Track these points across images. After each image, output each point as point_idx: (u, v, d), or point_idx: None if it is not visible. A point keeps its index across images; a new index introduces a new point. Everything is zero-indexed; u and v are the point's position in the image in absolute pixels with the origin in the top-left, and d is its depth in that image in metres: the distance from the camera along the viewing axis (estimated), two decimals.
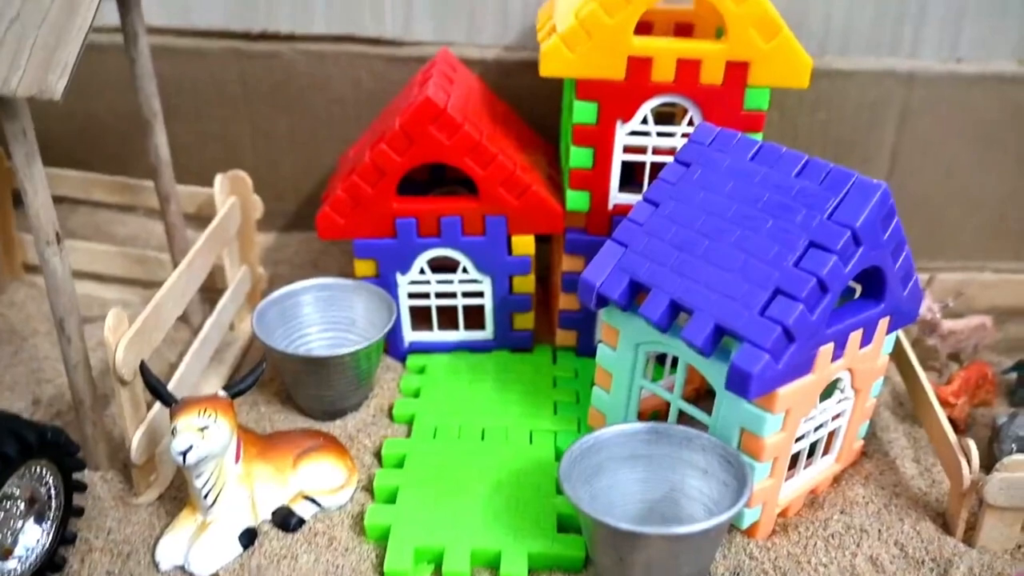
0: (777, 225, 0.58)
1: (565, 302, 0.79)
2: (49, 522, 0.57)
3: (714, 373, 0.59)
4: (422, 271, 0.77)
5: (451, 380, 0.77)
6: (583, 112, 0.71)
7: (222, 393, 0.59)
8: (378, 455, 0.69)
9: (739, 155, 0.63)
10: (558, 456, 0.68)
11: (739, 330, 0.55)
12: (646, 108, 0.71)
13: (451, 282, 0.78)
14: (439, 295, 0.79)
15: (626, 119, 0.71)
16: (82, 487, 0.59)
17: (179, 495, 0.65)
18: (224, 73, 0.92)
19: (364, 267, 0.77)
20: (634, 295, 0.63)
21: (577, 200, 0.74)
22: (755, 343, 0.54)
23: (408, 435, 0.71)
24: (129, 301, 0.87)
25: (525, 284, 0.78)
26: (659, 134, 0.72)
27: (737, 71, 0.68)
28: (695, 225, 0.61)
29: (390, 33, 0.90)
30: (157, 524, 0.62)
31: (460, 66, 0.84)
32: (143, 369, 0.60)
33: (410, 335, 0.80)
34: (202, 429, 0.56)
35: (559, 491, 0.64)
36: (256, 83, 0.93)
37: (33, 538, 0.56)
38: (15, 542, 0.55)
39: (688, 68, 0.68)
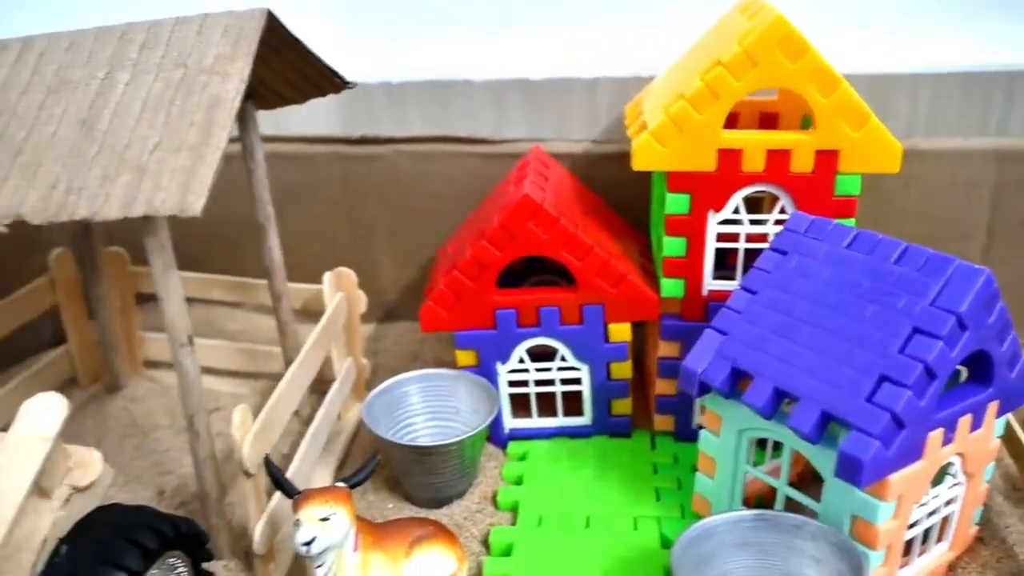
0: (879, 312, 0.58)
1: (662, 387, 0.80)
2: None
3: (822, 460, 0.59)
4: (521, 360, 0.80)
5: (552, 466, 0.78)
6: (675, 203, 0.73)
7: (341, 484, 0.62)
8: (485, 543, 0.71)
9: (835, 242, 0.64)
10: (663, 543, 0.69)
11: (847, 417, 0.56)
12: (737, 198, 0.73)
13: (550, 369, 0.80)
14: (538, 382, 0.81)
15: (718, 208, 0.73)
16: None
17: None
18: (327, 175, 0.98)
19: (466, 357, 0.80)
20: (736, 382, 0.63)
21: (672, 287, 0.76)
22: (864, 430, 0.55)
23: (513, 523, 0.72)
24: (241, 394, 0.91)
25: (622, 370, 0.79)
26: (751, 222, 0.74)
27: (827, 159, 0.70)
28: (794, 312, 0.62)
29: (483, 132, 0.95)
30: None
31: (552, 161, 0.88)
32: (267, 463, 0.63)
33: (510, 422, 0.82)
34: (324, 520, 0.59)
35: None
36: (357, 183, 0.98)
37: None
38: None
39: (778, 158, 0.70)
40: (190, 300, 0.97)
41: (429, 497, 0.75)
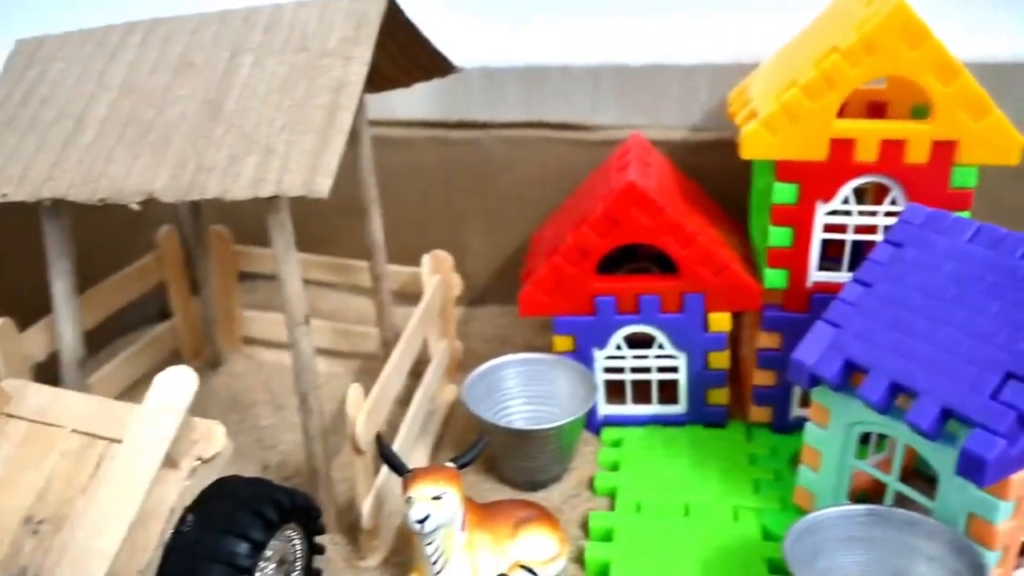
0: (1004, 308, 0.57)
1: (760, 378, 0.80)
2: None
3: (938, 456, 0.58)
4: (618, 346, 0.80)
5: (647, 454, 0.78)
6: (783, 193, 0.72)
7: (450, 464, 0.63)
8: (583, 527, 0.71)
9: (955, 236, 0.62)
10: (764, 535, 0.68)
11: (970, 414, 0.55)
12: (847, 188, 0.71)
13: (646, 357, 0.80)
14: (634, 370, 0.81)
15: (827, 199, 0.72)
16: (321, 550, 0.64)
17: (399, 559, 0.69)
18: (423, 159, 0.99)
19: (563, 342, 0.80)
20: (849, 375, 0.63)
21: (775, 278, 0.75)
22: (988, 428, 0.54)
23: (610, 508, 0.73)
24: (336, 372, 0.93)
25: (720, 360, 0.79)
26: (860, 213, 0.72)
27: (944, 150, 0.68)
28: (910, 306, 0.61)
29: (577, 119, 0.95)
30: None
31: (652, 148, 0.87)
32: (379, 441, 0.64)
33: (604, 408, 0.83)
34: (436, 498, 0.60)
35: (772, 571, 0.64)
36: (451, 167, 0.99)
37: None
38: None
39: (892, 148, 0.69)
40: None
41: (525, 480, 0.76)
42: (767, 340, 0.78)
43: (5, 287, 0.81)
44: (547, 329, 1.00)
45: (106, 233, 0.87)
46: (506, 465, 0.76)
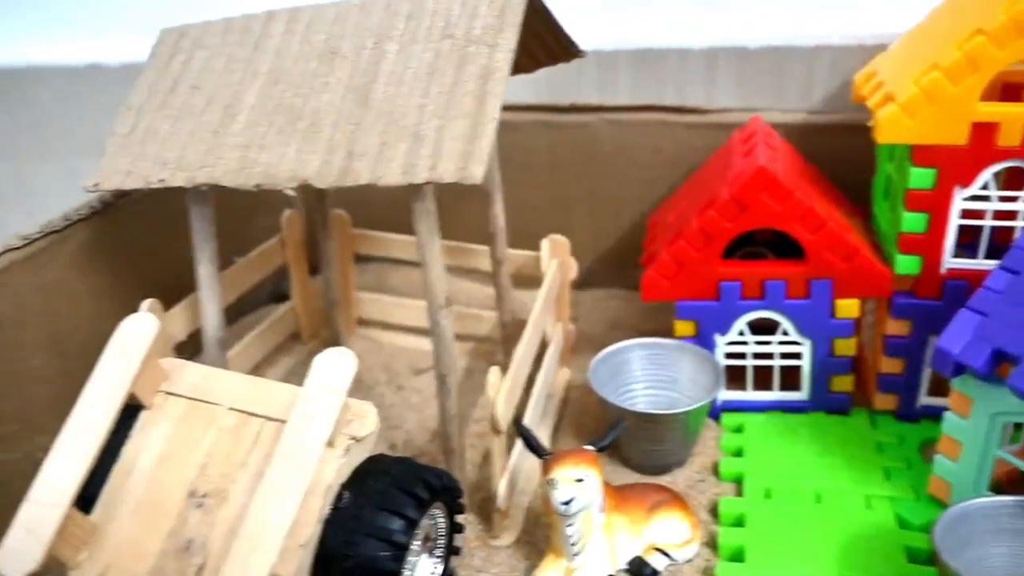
0: None
1: (887, 366, 0.79)
2: (437, 559, 0.63)
3: None
4: (741, 332, 0.79)
5: (770, 440, 0.78)
6: (919, 178, 0.71)
7: (589, 447, 0.64)
8: (712, 512, 0.71)
9: None
10: (900, 523, 0.68)
11: None
12: (987, 173, 0.70)
13: (769, 343, 0.79)
14: (756, 355, 0.80)
15: (965, 184, 0.70)
16: (461, 528, 0.65)
17: (530, 539, 0.70)
18: (532, 142, 0.99)
19: (684, 327, 0.80)
20: (996, 364, 0.62)
21: (907, 264, 0.74)
22: None
23: (738, 494, 0.73)
24: None
25: (847, 347, 0.78)
26: (1000, 199, 0.71)
27: None
28: None
29: (693, 102, 0.94)
30: (518, 566, 0.67)
31: (773, 132, 0.86)
32: (518, 422, 0.65)
33: (724, 394, 0.82)
34: (579, 481, 0.61)
35: (911, 559, 0.64)
36: (560, 151, 0.99)
37: (426, 571, 0.62)
38: (411, 575, 0.61)
39: None
40: (404, 262, 1.02)
41: (649, 464, 0.76)
42: (896, 327, 0.77)
43: (142, 271, 0.84)
44: (656, 313, 1.00)
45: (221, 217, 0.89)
46: (631, 449, 0.76)
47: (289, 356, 0.94)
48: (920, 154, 0.70)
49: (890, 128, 0.70)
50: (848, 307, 0.77)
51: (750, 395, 0.82)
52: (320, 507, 0.56)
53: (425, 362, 0.93)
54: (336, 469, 0.58)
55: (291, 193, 0.59)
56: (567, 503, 0.60)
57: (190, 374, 0.63)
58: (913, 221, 0.72)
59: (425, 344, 0.96)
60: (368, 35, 0.65)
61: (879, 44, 0.85)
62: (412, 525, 0.57)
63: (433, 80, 0.61)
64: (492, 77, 0.60)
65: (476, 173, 0.56)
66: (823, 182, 0.86)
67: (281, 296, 1.06)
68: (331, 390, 0.56)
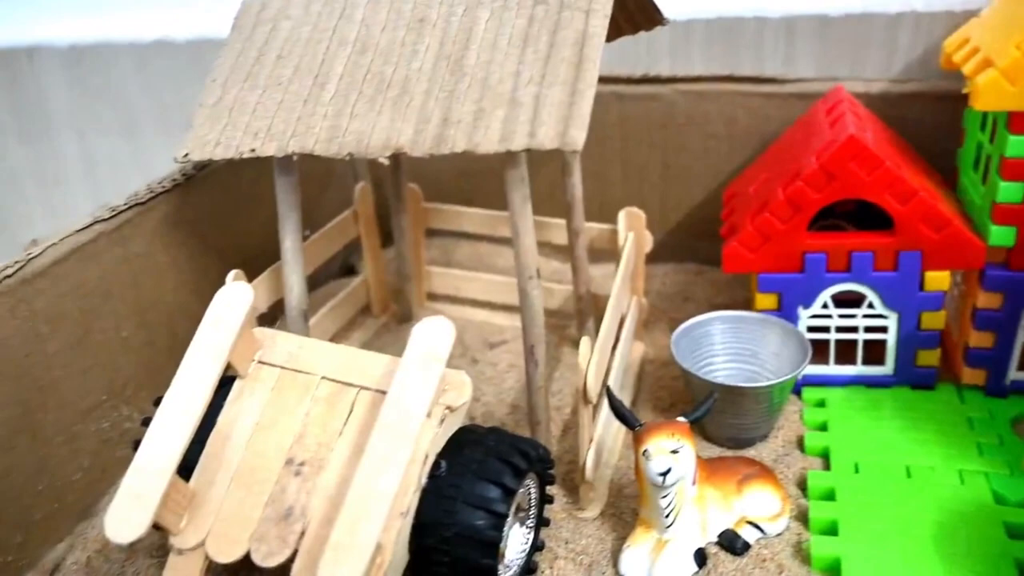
0: None
1: (977, 339, 0.77)
2: (528, 529, 0.63)
3: None
4: (825, 305, 0.78)
5: (855, 415, 0.77)
6: (1018, 146, 0.69)
7: (682, 419, 0.63)
8: (800, 486, 0.70)
9: None
10: (996, 499, 0.66)
11: None
12: None
13: (854, 316, 0.78)
14: (839, 329, 0.79)
15: None
16: (551, 499, 0.65)
17: (615, 511, 0.70)
18: (604, 114, 0.98)
19: (766, 300, 0.79)
20: None
21: (1002, 236, 0.72)
22: None
23: (825, 468, 0.72)
24: (520, 328, 0.93)
25: (935, 320, 0.77)
26: None
27: None
28: None
29: (770, 71, 0.92)
30: (605, 538, 0.67)
31: (856, 102, 0.84)
32: (608, 393, 0.65)
33: (805, 368, 0.81)
34: (673, 452, 0.60)
35: (1011, 536, 0.63)
36: (634, 122, 0.98)
37: (518, 542, 0.62)
38: (505, 545, 0.61)
39: None
40: (454, 234, 1.01)
41: (730, 437, 0.75)
42: (987, 300, 0.75)
43: (219, 244, 0.85)
44: (729, 287, 0.99)
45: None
46: (713, 422, 0.75)
47: (362, 330, 0.94)
48: (1018, 121, 0.68)
49: (989, 94, 0.68)
50: (938, 279, 0.75)
51: (832, 369, 0.81)
52: (418, 475, 0.57)
53: (497, 336, 0.93)
54: (432, 438, 0.58)
55: (384, 162, 0.59)
56: (663, 474, 0.59)
57: (283, 344, 0.63)
58: (1009, 191, 0.71)
59: (495, 318, 0.96)
60: (458, 2, 0.64)
61: (967, 10, 0.83)
62: (510, 494, 0.57)
63: (528, 46, 0.60)
64: (589, 42, 0.59)
65: (577, 140, 0.56)
66: (910, 152, 0.84)
67: (349, 270, 1.07)
68: (431, 359, 0.56)
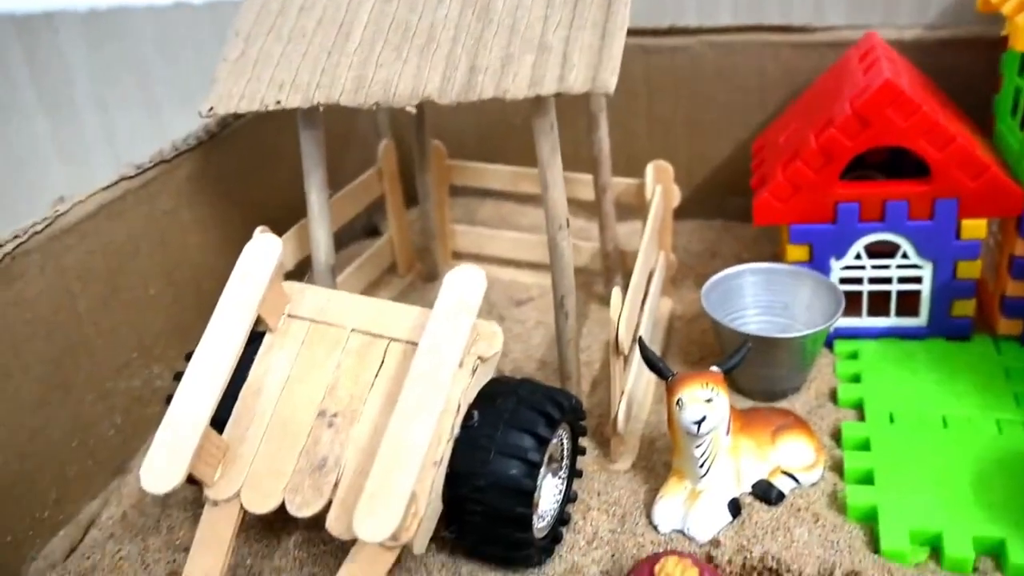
0: None
1: (1014, 289, 0.75)
2: (561, 480, 0.63)
3: None
4: (858, 256, 0.77)
5: (888, 366, 0.76)
6: None
7: (715, 368, 0.62)
8: (834, 437, 0.70)
9: None
10: None
11: None
12: None
13: (887, 267, 0.77)
14: (872, 280, 0.78)
15: None
16: (583, 451, 0.65)
17: (647, 464, 0.69)
18: (630, 68, 0.96)
19: (797, 252, 0.77)
20: None
21: None
22: None
23: (860, 419, 0.71)
24: (546, 285, 0.93)
25: (971, 269, 0.75)
26: None
27: None
28: None
29: (800, 20, 0.90)
30: (638, 490, 0.67)
31: (890, 49, 0.82)
32: (641, 344, 0.64)
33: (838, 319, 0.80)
34: (708, 401, 0.59)
35: None
36: (660, 75, 0.96)
37: (551, 493, 0.62)
38: (539, 494, 0.61)
39: None
40: (492, 194, 1.00)
41: (762, 389, 0.75)
42: None
43: (244, 201, 0.84)
44: (756, 243, 0.98)
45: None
46: (744, 374, 0.75)
47: (388, 290, 0.94)
48: None
49: None
50: (975, 227, 0.74)
51: (865, 321, 0.80)
52: (451, 425, 0.56)
53: (523, 293, 0.93)
54: (464, 388, 0.57)
55: (411, 111, 0.58)
56: (698, 423, 0.59)
57: (312, 297, 0.63)
58: None
59: (521, 276, 0.96)
60: None
61: None
62: (544, 443, 0.57)
63: None
64: None
65: (609, 83, 0.55)
66: (945, 99, 0.82)
67: (372, 231, 1.06)
68: (463, 308, 0.55)
